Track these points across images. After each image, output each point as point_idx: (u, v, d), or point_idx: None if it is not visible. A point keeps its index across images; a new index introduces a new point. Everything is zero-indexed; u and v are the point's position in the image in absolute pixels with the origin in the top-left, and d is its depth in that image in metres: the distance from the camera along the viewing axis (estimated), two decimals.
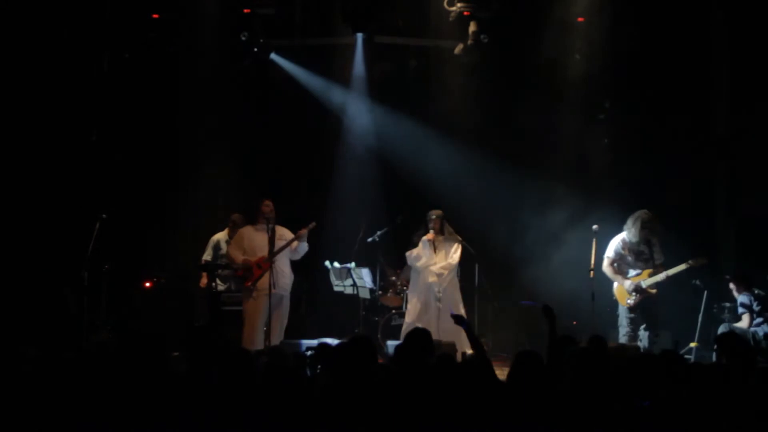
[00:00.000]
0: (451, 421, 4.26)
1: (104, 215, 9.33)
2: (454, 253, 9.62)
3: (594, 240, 9.23)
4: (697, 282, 9.48)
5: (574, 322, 10.26)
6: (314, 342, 7.86)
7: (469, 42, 10.91)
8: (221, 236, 10.43)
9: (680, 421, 4.10)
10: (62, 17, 10.82)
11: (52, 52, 10.74)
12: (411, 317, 9.55)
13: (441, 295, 9.44)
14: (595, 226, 9.25)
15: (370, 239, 9.86)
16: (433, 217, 9.59)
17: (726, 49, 10.93)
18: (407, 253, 9.68)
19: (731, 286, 9.32)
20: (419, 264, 9.57)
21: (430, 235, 9.54)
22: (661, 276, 8.86)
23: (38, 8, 10.60)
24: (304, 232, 9.13)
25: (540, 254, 10.92)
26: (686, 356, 9.02)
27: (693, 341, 9.46)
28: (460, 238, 9.66)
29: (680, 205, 10.80)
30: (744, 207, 10.84)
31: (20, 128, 10.61)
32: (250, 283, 9.10)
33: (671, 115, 10.96)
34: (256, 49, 11.06)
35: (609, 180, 11.18)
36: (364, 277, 10.06)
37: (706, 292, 9.51)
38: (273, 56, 11.32)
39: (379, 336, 9.90)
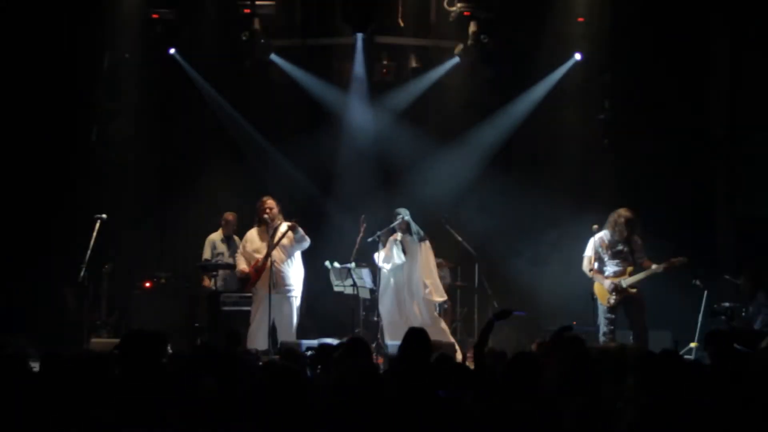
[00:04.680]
0: (452, 422, 4.26)
1: (104, 215, 9.34)
2: (428, 257, 9.56)
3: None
4: (697, 282, 9.48)
5: (574, 322, 10.25)
6: (314, 342, 7.85)
7: (469, 42, 10.92)
8: (216, 236, 10.48)
9: (676, 421, 4.10)
10: (62, 17, 10.83)
11: (52, 52, 10.74)
12: (387, 319, 9.56)
13: (409, 304, 9.45)
14: (594, 226, 9.24)
15: (370, 239, 9.84)
16: (399, 217, 9.53)
17: (726, 49, 10.93)
18: (375, 255, 9.64)
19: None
20: (388, 266, 9.54)
21: (397, 235, 9.50)
22: (641, 275, 8.84)
23: (38, 8, 10.60)
24: (293, 224, 9.15)
25: (540, 254, 10.92)
26: (686, 356, 9.01)
27: (693, 341, 9.46)
28: (425, 237, 9.59)
29: (680, 205, 10.80)
30: (744, 207, 10.83)
31: (20, 128, 10.62)
32: (249, 287, 9.26)
33: (671, 115, 10.96)
34: (256, 50, 11.06)
35: (609, 180, 11.18)
36: (364, 277, 10.04)
37: (706, 292, 9.50)
38: (273, 56, 11.32)
39: (379, 336, 9.90)
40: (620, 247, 8.98)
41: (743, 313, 9.11)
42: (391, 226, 9.72)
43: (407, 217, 9.55)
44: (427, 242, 9.64)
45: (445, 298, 9.71)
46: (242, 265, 9.39)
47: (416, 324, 9.04)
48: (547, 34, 11.09)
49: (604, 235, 9.01)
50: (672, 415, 4.12)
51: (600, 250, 9.00)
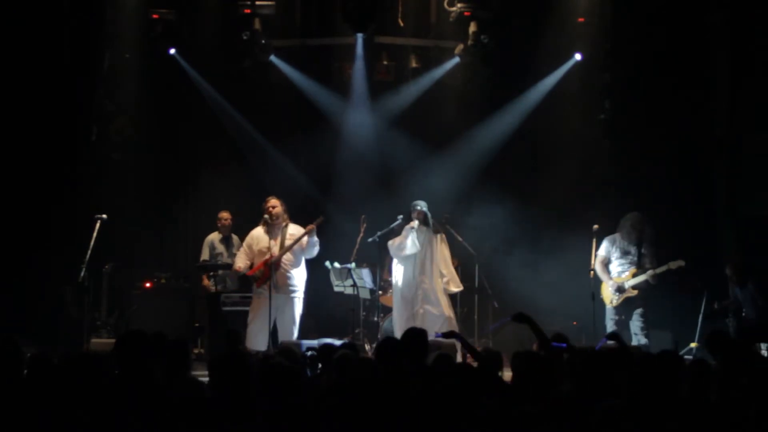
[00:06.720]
0: (452, 423, 4.26)
1: (104, 215, 9.34)
2: (443, 249, 9.51)
3: (594, 240, 9.27)
4: (697, 282, 9.49)
5: (575, 323, 10.27)
6: (314, 342, 7.85)
7: (470, 42, 10.92)
8: (214, 236, 10.52)
9: (676, 421, 4.10)
10: (63, 17, 10.83)
11: (52, 52, 10.74)
12: (396, 313, 9.53)
13: (423, 294, 9.38)
14: (595, 226, 9.28)
15: (370, 239, 9.84)
16: (418, 208, 9.48)
17: (726, 49, 10.92)
18: (389, 243, 9.60)
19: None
20: (403, 254, 9.49)
21: (413, 223, 9.44)
22: (642, 277, 8.95)
23: (39, 8, 10.60)
24: (312, 228, 9.13)
25: (540, 254, 10.92)
26: (686, 356, 9.02)
27: (693, 341, 9.47)
28: (442, 231, 9.57)
29: (680, 205, 10.80)
30: (744, 207, 10.84)
31: (20, 128, 10.62)
32: (259, 285, 9.17)
33: (671, 115, 10.96)
34: (256, 50, 11.06)
35: (609, 180, 11.18)
36: (364, 277, 10.04)
37: (705, 293, 9.52)
38: (272, 58, 11.31)
39: (379, 336, 9.90)
40: (629, 250, 9.15)
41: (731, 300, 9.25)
42: (392, 226, 9.71)
43: (425, 209, 9.45)
44: (442, 235, 9.58)
45: (461, 288, 9.61)
46: (239, 263, 9.25)
47: (433, 324, 9.00)
48: (547, 34, 11.08)
49: (617, 236, 9.22)
50: (669, 415, 4.12)
51: (611, 250, 9.21)
